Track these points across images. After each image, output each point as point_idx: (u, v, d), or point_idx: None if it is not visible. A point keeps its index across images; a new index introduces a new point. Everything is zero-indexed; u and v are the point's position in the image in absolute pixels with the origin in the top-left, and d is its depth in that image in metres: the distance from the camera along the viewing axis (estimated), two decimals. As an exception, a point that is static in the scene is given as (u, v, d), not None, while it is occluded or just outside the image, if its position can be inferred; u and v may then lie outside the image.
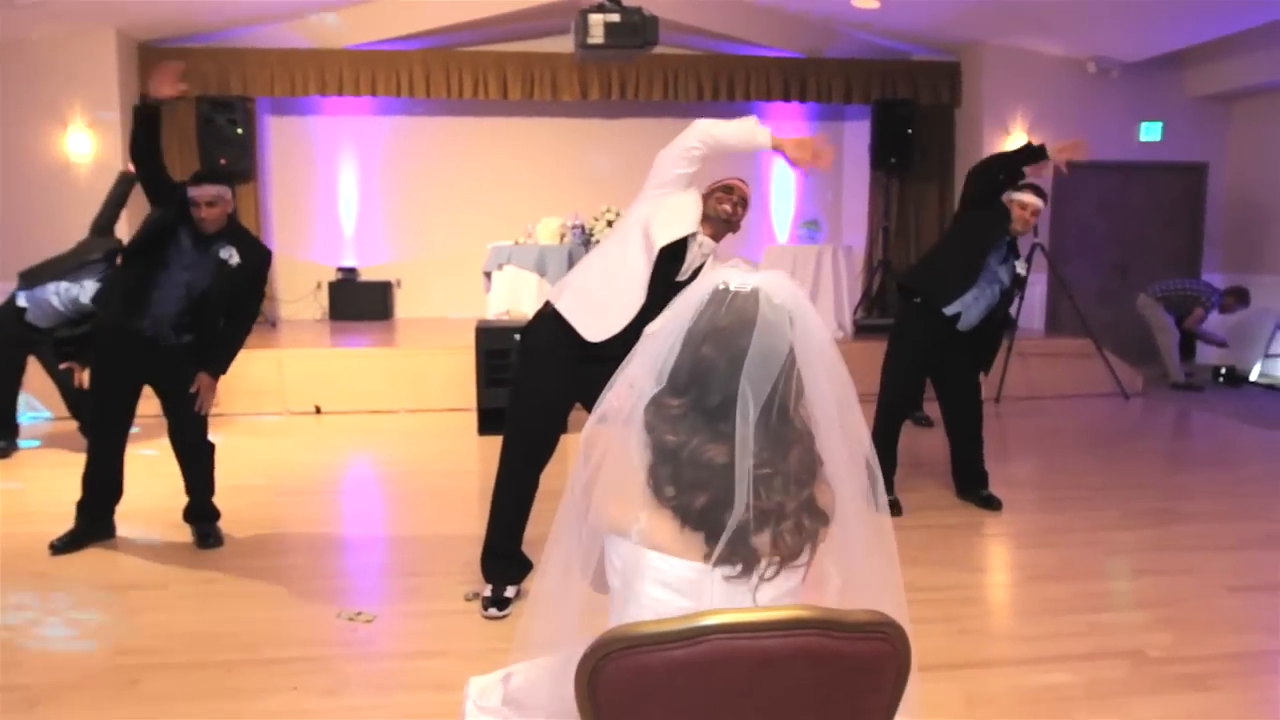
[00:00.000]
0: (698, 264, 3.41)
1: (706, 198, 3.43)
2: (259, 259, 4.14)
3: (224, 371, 4.16)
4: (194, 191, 3.93)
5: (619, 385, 1.47)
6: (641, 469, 1.37)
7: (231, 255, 3.99)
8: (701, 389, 1.36)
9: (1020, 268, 4.67)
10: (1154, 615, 3.44)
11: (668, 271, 3.35)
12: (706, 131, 3.29)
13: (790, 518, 1.35)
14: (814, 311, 1.40)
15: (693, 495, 1.33)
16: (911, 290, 4.72)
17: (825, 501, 1.42)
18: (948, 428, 4.85)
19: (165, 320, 3.97)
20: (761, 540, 1.34)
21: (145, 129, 3.82)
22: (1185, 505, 4.82)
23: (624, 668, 1.07)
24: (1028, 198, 4.58)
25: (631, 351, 1.48)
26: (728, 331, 1.35)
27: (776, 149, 3.34)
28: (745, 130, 3.29)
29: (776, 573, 1.36)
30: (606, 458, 1.41)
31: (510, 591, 3.50)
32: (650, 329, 1.53)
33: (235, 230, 4.09)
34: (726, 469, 1.32)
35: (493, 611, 3.43)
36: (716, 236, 3.43)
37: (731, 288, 1.38)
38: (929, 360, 4.68)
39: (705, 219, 3.40)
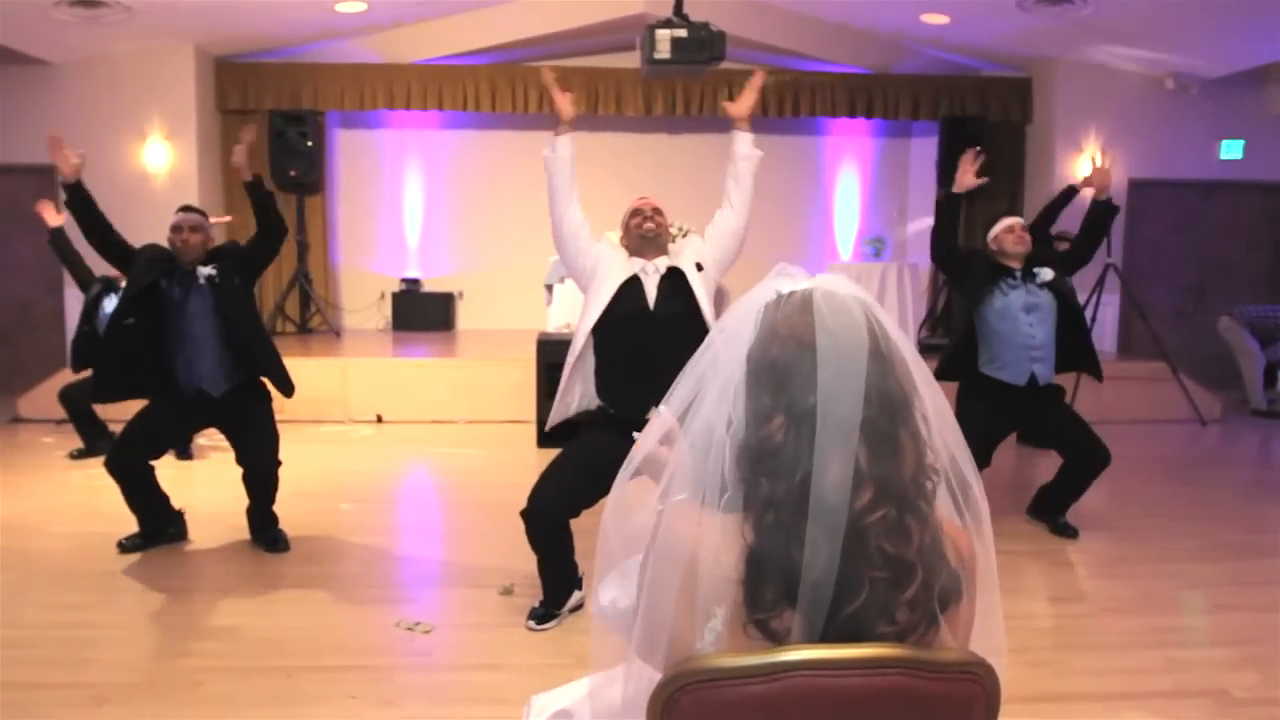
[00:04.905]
0: (662, 284, 3.44)
1: (625, 230, 3.56)
2: (229, 250, 4.19)
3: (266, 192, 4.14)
4: (179, 217, 4.04)
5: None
6: (733, 580, 1.11)
7: (205, 270, 4.01)
8: (792, 392, 1.11)
9: (1043, 276, 4.46)
10: (1238, 653, 3.28)
11: (633, 310, 3.39)
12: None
13: (915, 578, 1.10)
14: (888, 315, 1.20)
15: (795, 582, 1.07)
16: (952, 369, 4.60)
17: (958, 550, 1.19)
18: (1068, 461, 4.60)
19: (209, 371, 4.02)
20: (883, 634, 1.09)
21: (74, 210, 3.93)
22: (1267, 538, 4.60)
23: (699, 701, 1.03)
24: (1004, 222, 4.64)
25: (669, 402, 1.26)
26: (796, 331, 1.14)
27: None
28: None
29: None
30: (661, 569, 1.16)
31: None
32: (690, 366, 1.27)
33: (209, 253, 4.11)
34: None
35: (530, 624, 3.44)
36: (656, 254, 3.50)
37: (784, 291, 1.20)
38: (993, 430, 4.50)
39: (638, 248, 3.50)
